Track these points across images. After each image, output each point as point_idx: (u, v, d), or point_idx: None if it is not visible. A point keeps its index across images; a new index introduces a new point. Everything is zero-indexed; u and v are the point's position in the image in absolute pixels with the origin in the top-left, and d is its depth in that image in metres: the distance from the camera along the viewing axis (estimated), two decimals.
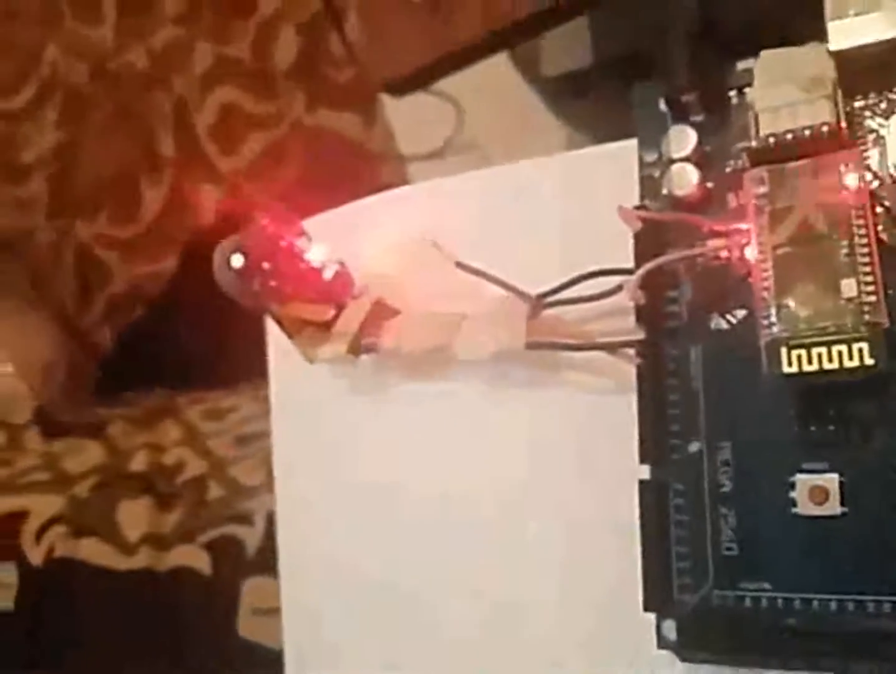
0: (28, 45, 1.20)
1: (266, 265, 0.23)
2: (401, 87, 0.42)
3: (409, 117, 0.87)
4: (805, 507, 0.18)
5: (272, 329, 0.27)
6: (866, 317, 0.16)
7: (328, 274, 0.23)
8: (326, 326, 0.24)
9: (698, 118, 0.20)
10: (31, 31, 1.20)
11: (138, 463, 0.54)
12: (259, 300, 0.23)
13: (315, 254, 0.23)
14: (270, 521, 0.45)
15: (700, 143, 0.20)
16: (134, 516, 0.51)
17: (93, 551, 0.50)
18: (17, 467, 0.58)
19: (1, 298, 1.01)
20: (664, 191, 0.20)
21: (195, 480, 0.52)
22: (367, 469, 0.25)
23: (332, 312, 0.23)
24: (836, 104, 0.17)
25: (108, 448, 0.57)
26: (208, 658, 0.45)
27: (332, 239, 0.24)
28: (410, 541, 0.24)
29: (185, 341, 0.84)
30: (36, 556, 0.51)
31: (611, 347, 0.20)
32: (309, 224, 0.24)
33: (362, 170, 0.92)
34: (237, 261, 0.22)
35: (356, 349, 0.23)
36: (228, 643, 0.43)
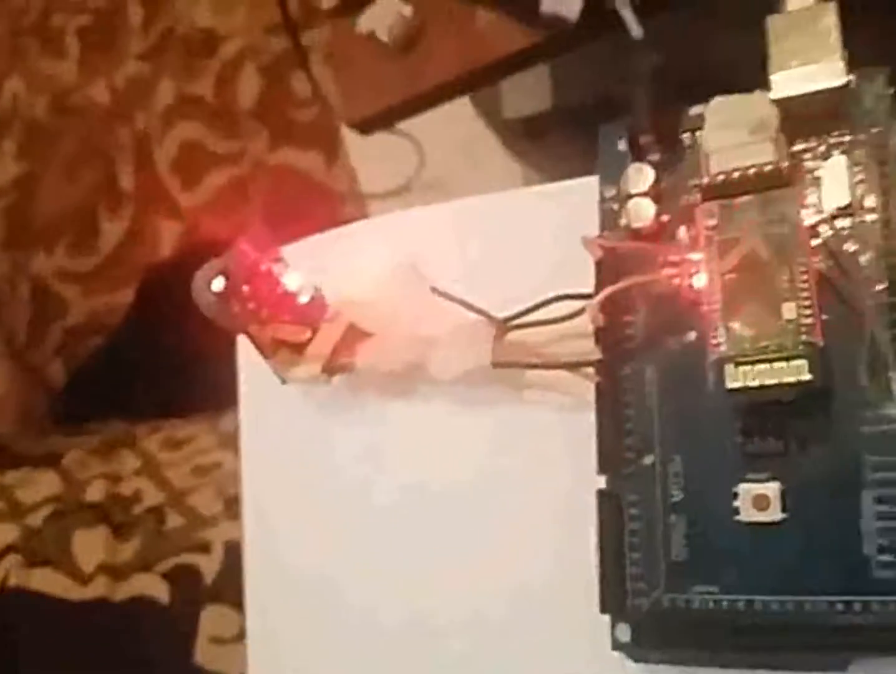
0: None
1: (245, 288, 0.24)
2: (369, 125, 0.43)
3: (370, 156, 0.89)
4: (748, 513, 0.19)
5: (243, 351, 0.28)
6: (804, 337, 0.18)
7: (304, 298, 0.25)
8: (301, 348, 0.25)
9: (655, 157, 0.22)
10: None
11: (94, 493, 0.54)
12: (237, 322, 0.24)
13: (291, 279, 0.25)
14: (228, 549, 0.45)
15: (657, 179, 0.22)
16: (90, 545, 0.50)
17: (47, 580, 0.50)
18: None
19: None
20: (623, 222, 0.22)
21: (152, 510, 0.52)
22: (337, 489, 0.26)
23: (307, 334, 0.24)
24: (778, 146, 0.19)
25: (63, 478, 0.57)
26: None
27: (308, 265, 0.25)
28: (381, 560, 0.25)
29: (141, 373, 0.83)
30: None
31: (571, 367, 0.21)
32: (286, 250, 0.25)
33: (324, 207, 0.94)
34: (218, 284, 0.23)
35: (330, 369, 0.24)
36: (186, 672, 0.43)
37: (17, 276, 1.12)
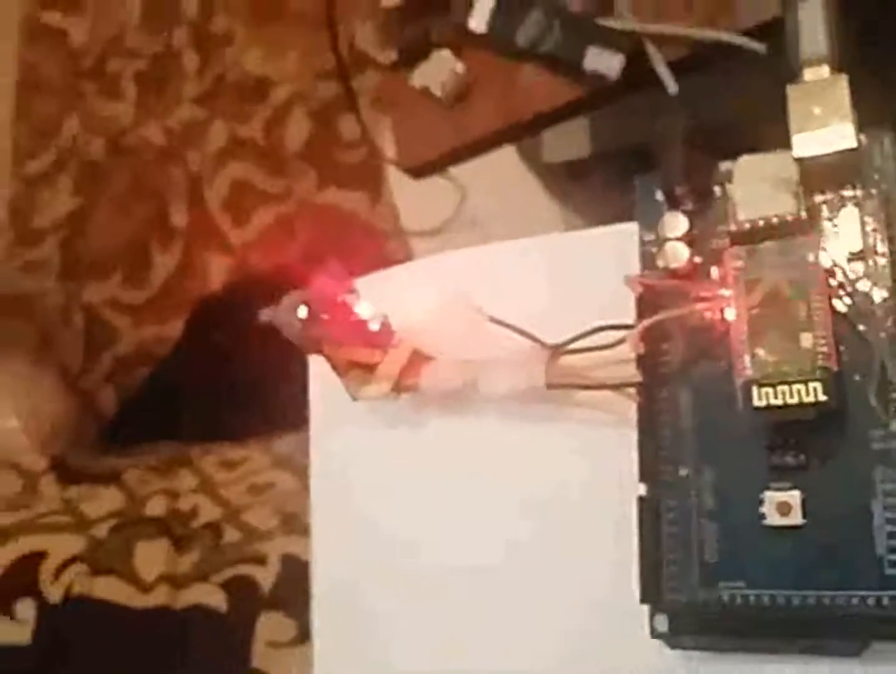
0: (48, 116, 1.25)
1: (325, 316, 0.27)
2: (421, 171, 0.47)
3: (413, 197, 0.93)
4: (773, 518, 0.22)
5: (315, 371, 0.31)
6: (820, 362, 0.21)
7: (374, 326, 0.28)
8: (371, 369, 0.28)
9: (688, 206, 0.25)
10: (51, 103, 1.26)
11: (155, 507, 0.57)
12: (316, 345, 0.27)
13: (363, 308, 0.28)
14: (285, 562, 0.48)
15: (690, 226, 0.25)
16: (151, 556, 0.53)
17: (110, 589, 0.53)
18: (35, 511, 0.61)
19: (9, 356, 1.04)
20: (660, 263, 0.25)
21: (210, 525, 0.55)
22: (401, 502, 0.29)
23: (379, 357, 0.27)
24: (798, 199, 0.22)
25: (125, 494, 0.60)
26: None
27: (378, 296, 0.29)
28: (452, 573, 0.27)
29: (189, 400, 0.87)
30: (54, 593, 0.53)
31: (615, 388, 0.24)
32: (359, 283, 0.29)
33: (368, 244, 0.97)
34: (302, 312, 0.27)
35: (398, 389, 0.27)
36: None
37: (72, 306, 1.16)
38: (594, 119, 0.63)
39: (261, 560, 0.50)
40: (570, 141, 0.64)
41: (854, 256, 0.22)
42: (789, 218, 0.22)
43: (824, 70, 0.23)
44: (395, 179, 0.91)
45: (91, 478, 0.66)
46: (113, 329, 1.13)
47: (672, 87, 0.40)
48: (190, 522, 0.56)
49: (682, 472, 0.23)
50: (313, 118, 1.08)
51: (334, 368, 0.28)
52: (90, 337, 1.14)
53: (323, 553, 0.31)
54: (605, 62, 0.40)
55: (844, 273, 0.22)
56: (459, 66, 0.44)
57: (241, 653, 0.46)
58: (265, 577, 0.49)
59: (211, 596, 0.50)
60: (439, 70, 0.44)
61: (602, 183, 0.64)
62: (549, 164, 0.69)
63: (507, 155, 0.78)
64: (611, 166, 0.58)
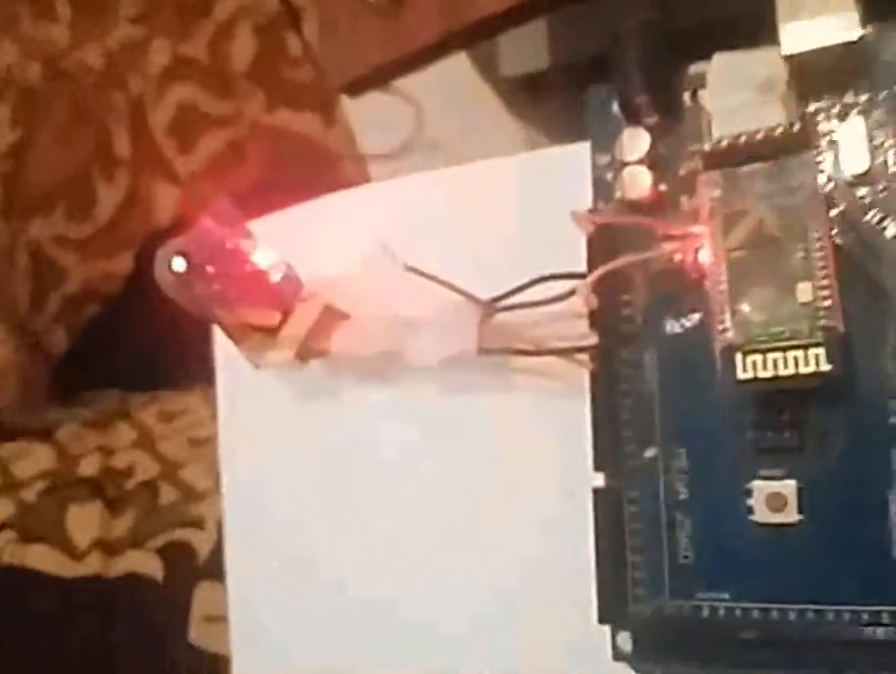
0: None
1: (210, 269, 0.22)
2: (357, 87, 0.41)
3: (369, 117, 0.87)
4: (762, 514, 0.18)
5: (218, 334, 0.26)
6: (822, 322, 0.16)
7: (275, 277, 0.23)
8: (273, 332, 0.23)
9: (651, 121, 0.20)
10: None
11: (88, 467, 0.53)
12: (203, 305, 0.22)
13: (261, 257, 0.23)
14: (220, 526, 0.44)
15: (653, 145, 0.20)
16: (84, 521, 0.50)
17: (42, 558, 0.49)
18: None
19: None
20: (617, 194, 0.20)
21: (146, 484, 0.51)
22: (316, 476, 0.25)
23: (278, 317, 0.22)
24: (788, 107, 0.17)
25: (56, 451, 0.56)
26: (159, 664, 0.44)
27: (280, 241, 0.23)
28: (360, 542, 0.24)
29: (139, 342, 0.82)
30: None
31: (564, 353, 0.20)
32: (255, 225, 0.24)
33: (323, 169, 0.92)
34: (179, 265, 0.21)
35: (304, 354, 0.23)
36: (179, 649, 0.43)
37: (16, 245, 1.11)
38: (554, 26, 0.57)
39: (198, 524, 0.46)
40: (528, 51, 0.58)
41: (859, 179, 0.18)
42: (778, 132, 0.17)
43: None
44: (350, 99, 0.85)
45: (27, 434, 0.61)
46: (60, 267, 1.08)
47: None
48: (125, 481, 0.52)
49: (648, 454, 0.19)
50: (260, 34, 1.01)
51: (228, 333, 0.23)
52: (37, 276, 1.09)
53: (235, 545, 0.27)
54: None
55: (848, 201, 0.17)
56: None
57: (177, 626, 0.43)
58: (202, 542, 0.45)
59: (146, 563, 0.47)
60: None
61: (564, 100, 0.58)
62: (507, 77, 0.63)
63: (466, 69, 0.72)
64: (574, 79, 0.53)
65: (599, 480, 0.19)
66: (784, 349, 0.16)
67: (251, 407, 0.26)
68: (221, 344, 0.27)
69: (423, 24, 0.39)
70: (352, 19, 0.40)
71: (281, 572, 0.26)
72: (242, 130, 0.99)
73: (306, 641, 0.25)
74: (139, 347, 0.81)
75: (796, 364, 0.16)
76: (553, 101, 0.60)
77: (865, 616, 0.17)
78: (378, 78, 0.42)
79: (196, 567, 0.46)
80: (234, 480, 0.28)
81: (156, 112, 1.05)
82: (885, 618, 0.17)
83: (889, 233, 0.17)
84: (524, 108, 0.69)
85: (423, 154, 0.83)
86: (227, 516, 0.28)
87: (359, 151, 0.92)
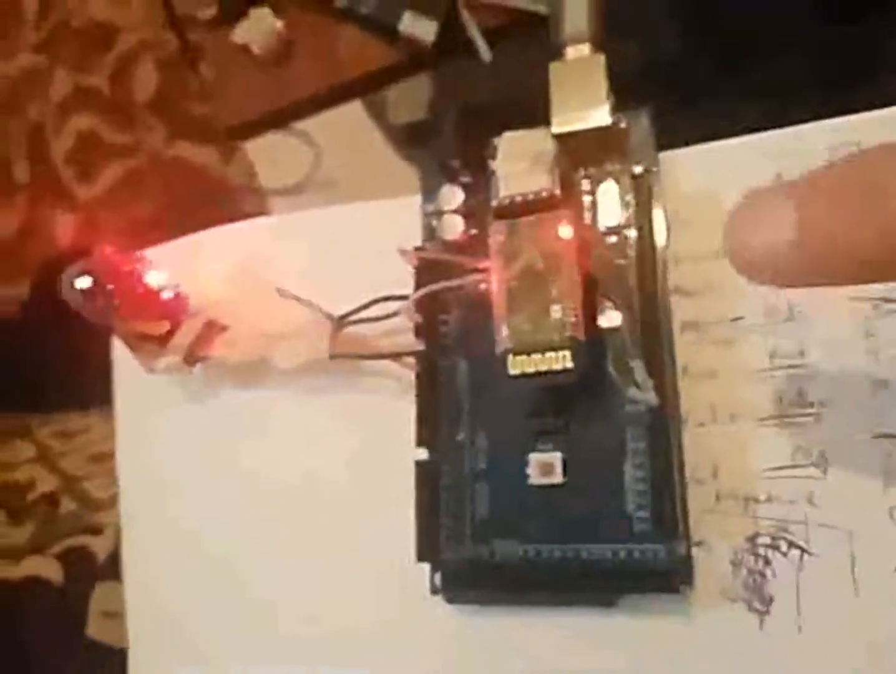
0: None
1: (109, 287, 0.27)
2: (238, 133, 0.46)
3: (270, 153, 0.91)
4: (536, 478, 0.23)
5: (117, 345, 0.31)
6: (568, 333, 0.22)
7: (166, 295, 0.28)
8: (164, 341, 0.28)
9: (467, 179, 0.26)
10: None
11: None
12: (103, 317, 0.27)
13: (154, 278, 0.28)
14: (120, 531, 0.47)
15: (467, 198, 0.25)
16: None
17: None
18: None
19: None
20: (439, 235, 0.26)
21: (47, 496, 0.54)
22: (202, 474, 0.29)
23: (167, 327, 0.27)
24: (553, 175, 0.23)
25: None
26: (59, 657, 0.47)
27: (173, 266, 0.28)
28: (246, 536, 0.28)
29: (37, 365, 0.84)
30: None
31: (395, 357, 0.25)
32: (150, 251, 0.28)
33: (222, 202, 0.95)
34: (83, 282, 0.26)
35: (190, 360, 0.27)
36: (78, 644, 0.45)
37: None
38: (435, 81, 0.63)
39: (97, 530, 0.49)
40: (411, 103, 0.64)
41: (610, 231, 0.24)
42: (544, 194, 0.23)
43: (585, 48, 0.24)
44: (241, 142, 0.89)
45: None
46: None
47: (486, 54, 0.40)
48: (26, 494, 0.54)
49: (459, 437, 0.24)
50: (162, 68, 1.04)
51: (125, 341, 0.28)
52: None
53: (130, 531, 0.31)
54: (420, 27, 0.40)
55: (600, 247, 0.24)
56: (279, 25, 0.44)
57: (76, 623, 0.46)
58: (101, 547, 0.49)
59: (47, 568, 0.49)
60: (259, 28, 0.44)
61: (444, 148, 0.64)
62: (394, 125, 0.69)
63: (361, 114, 0.77)
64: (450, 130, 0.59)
65: (422, 454, 0.25)
66: (542, 351, 0.22)
67: (145, 409, 0.31)
68: (119, 354, 0.31)
69: (303, 79, 0.44)
70: (241, 69, 0.45)
71: (176, 569, 0.29)
72: (143, 161, 1.02)
73: (200, 633, 0.28)
74: (38, 369, 0.83)
75: (550, 363, 0.22)
76: (432, 152, 0.66)
77: (609, 553, 0.23)
78: (266, 124, 0.47)
79: (95, 569, 0.49)
80: (131, 481, 0.31)
81: (56, 140, 1.07)
82: (622, 554, 0.22)
83: (626, 273, 0.23)
84: (410, 152, 0.75)
85: (319, 191, 0.88)
86: (124, 514, 0.31)
87: (258, 186, 0.96)
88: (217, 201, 0.93)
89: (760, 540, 0.22)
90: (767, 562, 0.22)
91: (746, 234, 0.17)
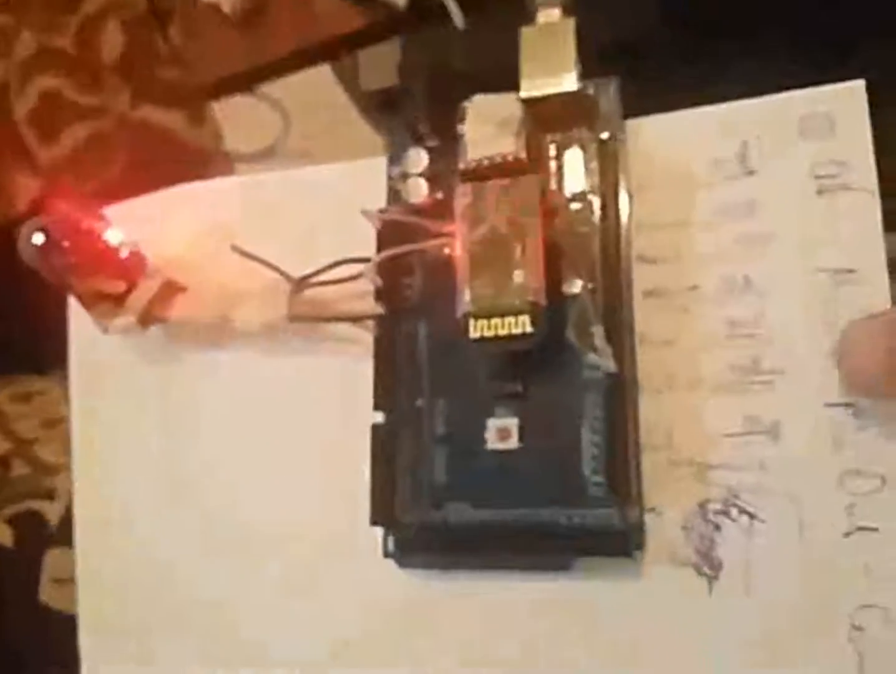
0: None
1: (66, 243, 0.26)
2: (217, 91, 0.45)
3: (237, 119, 0.90)
4: (493, 443, 0.23)
5: (73, 305, 0.30)
6: (530, 298, 0.22)
7: (123, 254, 0.27)
8: (120, 301, 0.27)
9: (434, 143, 0.26)
10: None
11: None
12: (59, 275, 0.26)
13: (112, 236, 0.27)
14: (73, 496, 0.46)
15: (432, 162, 0.25)
16: None
17: None
18: None
19: None
20: (404, 198, 0.25)
21: None
22: (157, 435, 0.29)
23: (124, 286, 0.27)
24: (519, 140, 0.23)
25: None
26: (10, 623, 0.46)
27: (131, 225, 0.28)
28: (201, 500, 0.28)
29: None
30: None
31: (354, 320, 0.25)
32: (109, 210, 0.28)
33: (188, 166, 0.94)
34: (38, 238, 0.26)
35: (146, 320, 0.27)
36: (31, 610, 0.45)
37: None
38: (407, 47, 0.63)
39: (49, 495, 0.49)
40: (382, 69, 0.63)
41: (575, 197, 0.24)
42: (510, 158, 0.23)
43: (555, 13, 0.24)
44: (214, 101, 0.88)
45: None
46: None
47: (459, 20, 0.40)
48: None
49: (418, 402, 0.24)
50: (129, 30, 1.02)
51: (80, 299, 0.27)
52: None
53: (83, 494, 0.30)
54: None
55: (564, 213, 0.24)
56: None
57: (27, 589, 0.45)
58: (53, 512, 0.48)
59: None
60: None
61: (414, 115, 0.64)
62: (364, 91, 0.68)
63: (331, 79, 0.76)
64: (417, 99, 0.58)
65: (379, 417, 0.25)
66: (502, 315, 0.22)
67: (100, 371, 0.30)
68: (75, 314, 0.30)
69: (277, 38, 0.44)
70: (213, 28, 0.44)
71: (127, 535, 0.29)
72: (108, 123, 1.00)
73: (151, 600, 0.28)
74: None
75: (510, 327, 0.22)
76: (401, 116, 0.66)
77: (563, 518, 0.23)
78: (237, 84, 0.46)
79: (46, 535, 0.48)
80: (85, 444, 0.30)
81: (18, 101, 1.05)
82: (576, 518, 0.23)
83: (590, 239, 0.23)
84: (380, 119, 0.74)
85: (287, 157, 0.87)
86: (77, 480, 0.30)
87: (225, 151, 0.95)
88: (184, 166, 0.92)
89: (711, 506, 0.22)
90: (717, 528, 0.22)
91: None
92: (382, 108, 0.70)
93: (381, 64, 0.67)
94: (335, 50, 0.44)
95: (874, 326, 0.21)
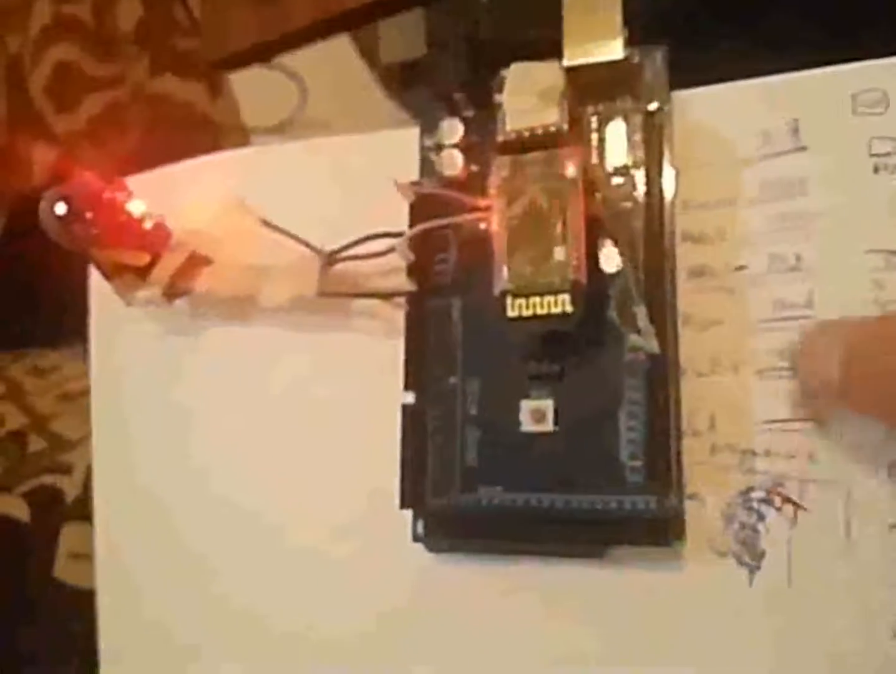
0: None
1: (88, 214, 0.25)
2: (233, 63, 0.45)
3: (255, 91, 0.89)
4: (528, 425, 0.23)
5: (94, 277, 0.29)
6: (570, 276, 0.21)
7: (147, 225, 0.26)
8: (143, 273, 0.27)
9: (469, 113, 0.25)
10: None
11: None
12: (81, 245, 0.26)
13: (135, 207, 0.26)
14: (89, 471, 0.46)
15: (467, 133, 0.24)
16: None
17: None
18: None
19: None
20: (437, 171, 0.24)
21: (15, 434, 0.52)
22: (178, 410, 0.28)
23: (148, 259, 0.26)
24: (562, 110, 0.22)
25: None
26: (25, 597, 0.46)
27: (155, 196, 0.27)
28: (223, 477, 0.27)
29: (12, 300, 0.82)
30: None
31: (385, 297, 0.24)
32: (132, 181, 0.27)
33: (205, 138, 0.93)
34: (60, 208, 0.25)
35: (170, 293, 0.26)
36: (45, 585, 0.45)
37: None
38: (431, 18, 0.61)
39: (66, 470, 0.49)
40: (404, 41, 0.62)
41: (617, 171, 0.23)
42: (552, 129, 0.22)
43: None
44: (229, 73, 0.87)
45: None
46: None
47: None
48: None
49: (452, 381, 0.24)
50: (145, 0, 1.01)
51: (101, 270, 0.26)
52: None
53: (103, 469, 0.30)
54: None
55: (605, 188, 0.23)
56: None
57: (43, 564, 0.45)
58: (70, 487, 0.48)
59: (14, 507, 0.48)
60: None
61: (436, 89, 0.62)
62: (385, 64, 0.67)
63: (350, 51, 0.75)
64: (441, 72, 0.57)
65: (409, 398, 0.24)
66: (542, 294, 0.21)
67: (122, 342, 0.30)
68: (97, 286, 0.30)
69: (297, 8, 0.43)
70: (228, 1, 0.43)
71: (148, 510, 0.28)
72: (125, 94, 0.99)
73: (168, 576, 0.28)
74: (11, 304, 0.81)
75: (549, 306, 0.21)
76: (424, 89, 0.65)
77: (599, 504, 0.22)
78: (255, 56, 0.45)
79: (63, 510, 0.48)
80: (105, 417, 0.30)
81: (34, 71, 1.04)
82: (613, 504, 0.22)
83: (633, 215, 0.22)
84: (400, 91, 0.73)
85: (304, 129, 0.86)
86: (96, 454, 0.30)
87: (242, 123, 0.94)
88: (201, 136, 0.91)
89: (755, 494, 0.22)
90: (761, 517, 0.22)
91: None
92: (404, 82, 0.69)
93: (403, 36, 0.66)
94: (356, 19, 0.43)
95: (831, 335, 0.20)
